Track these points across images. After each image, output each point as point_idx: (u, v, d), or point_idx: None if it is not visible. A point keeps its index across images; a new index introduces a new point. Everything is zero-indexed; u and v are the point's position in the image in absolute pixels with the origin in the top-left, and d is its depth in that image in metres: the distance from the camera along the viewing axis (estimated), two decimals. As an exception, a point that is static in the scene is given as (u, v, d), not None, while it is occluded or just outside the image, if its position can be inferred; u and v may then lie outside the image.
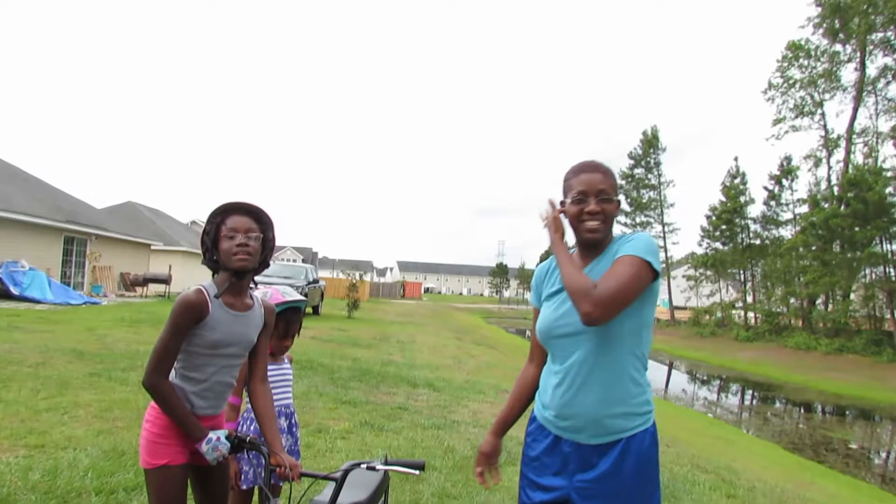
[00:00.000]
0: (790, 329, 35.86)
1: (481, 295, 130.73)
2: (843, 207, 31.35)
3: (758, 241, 41.71)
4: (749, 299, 42.11)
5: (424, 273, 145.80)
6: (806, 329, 34.54)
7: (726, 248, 43.37)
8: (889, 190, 30.47)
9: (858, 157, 35.77)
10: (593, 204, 2.04)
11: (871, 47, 35.00)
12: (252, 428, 2.74)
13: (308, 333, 16.04)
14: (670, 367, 29.84)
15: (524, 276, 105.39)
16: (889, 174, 31.55)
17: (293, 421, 2.83)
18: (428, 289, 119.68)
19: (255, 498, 2.71)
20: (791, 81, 39.07)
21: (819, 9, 36.35)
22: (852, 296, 32.99)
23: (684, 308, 51.40)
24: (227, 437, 2.18)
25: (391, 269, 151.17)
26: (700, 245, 45.75)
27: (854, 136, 36.40)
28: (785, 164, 39.80)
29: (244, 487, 2.70)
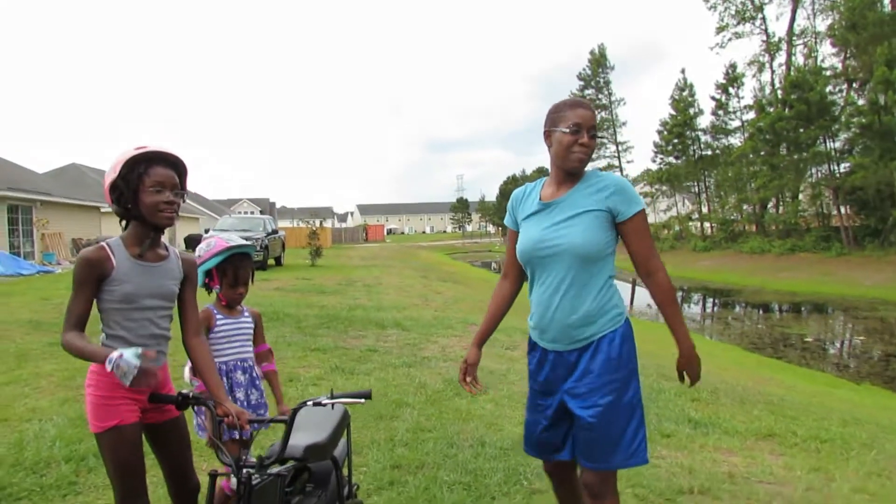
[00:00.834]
0: (745, 235, 37.00)
1: (444, 231, 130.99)
2: (787, 110, 31.91)
3: (709, 152, 42.44)
4: (704, 210, 43.12)
5: (386, 215, 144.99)
6: (759, 233, 35.70)
7: (679, 161, 44.00)
8: (829, 89, 31.10)
9: (799, 59, 36.35)
10: (586, 137, 2.29)
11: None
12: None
13: (272, 285, 15.89)
14: (633, 283, 30.56)
15: (485, 208, 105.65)
16: (828, 73, 32.10)
17: (254, 374, 2.75)
18: (391, 230, 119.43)
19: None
20: (732, -14, 38.96)
21: None
22: (801, 196, 34.04)
23: (643, 225, 52.45)
24: (135, 355, 1.95)
25: (352, 214, 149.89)
26: (654, 161, 46.45)
27: (794, 38, 36.82)
28: (730, 72, 40.13)
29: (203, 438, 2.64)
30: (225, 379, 2.59)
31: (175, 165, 2.28)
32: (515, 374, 6.49)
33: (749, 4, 38.67)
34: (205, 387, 2.35)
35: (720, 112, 41.07)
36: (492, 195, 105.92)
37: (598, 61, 51.93)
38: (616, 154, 51.60)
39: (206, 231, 25.39)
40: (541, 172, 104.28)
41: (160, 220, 2.21)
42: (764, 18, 38.33)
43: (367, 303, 13.11)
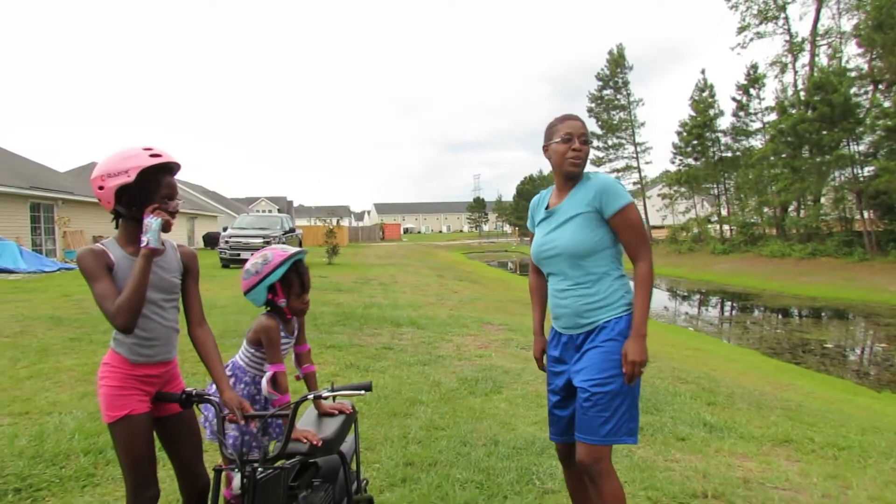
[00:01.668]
0: (765, 238, 36.52)
1: (461, 231, 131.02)
2: (809, 112, 31.40)
3: (729, 154, 41.89)
4: (724, 212, 42.65)
5: (403, 214, 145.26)
6: (780, 237, 35.20)
7: (699, 163, 43.53)
8: (854, 90, 30.54)
9: (823, 60, 35.69)
10: (577, 143, 2.56)
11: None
12: (244, 392, 2.60)
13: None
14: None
15: (501, 208, 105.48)
16: (853, 74, 31.55)
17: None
18: (407, 229, 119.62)
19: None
20: (754, -15, 38.47)
21: None
22: (823, 200, 33.52)
23: (661, 227, 52.04)
24: (155, 220, 2.20)
25: (369, 213, 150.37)
26: (673, 162, 45.90)
27: (818, 38, 36.22)
28: (751, 72, 39.59)
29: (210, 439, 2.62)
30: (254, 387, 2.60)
31: (175, 171, 2.37)
32: (530, 374, 6.48)
33: (772, 4, 38.11)
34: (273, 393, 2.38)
35: (741, 113, 40.56)
36: (509, 195, 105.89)
37: (617, 61, 51.53)
38: (634, 155, 51.12)
39: (225, 229, 25.60)
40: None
41: (167, 227, 2.29)
42: (787, 18, 37.80)
43: (383, 301, 13.15)
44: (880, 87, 30.90)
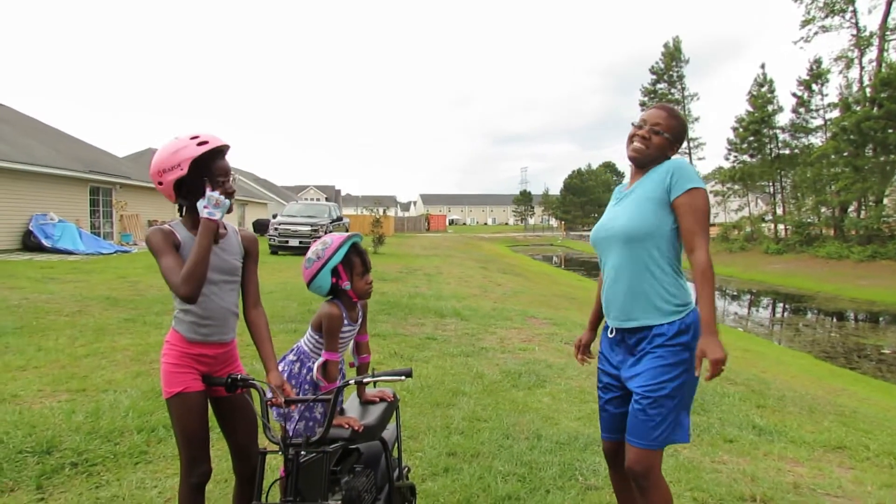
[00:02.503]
0: (821, 239, 35.27)
1: (506, 224, 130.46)
2: (875, 109, 30.15)
3: (787, 151, 40.59)
4: (779, 211, 41.38)
5: (448, 205, 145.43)
6: (837, 238, 33.94)
7: (754, 160, 42.31)
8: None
9: (893, 55, 34.11)
10: (644, 130, 2.50)
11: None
12: (307, 378, 2.61)
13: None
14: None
15: (548, 202, 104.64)
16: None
17: (343, 373, 2.72)
18: (452, 221, 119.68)
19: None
20: (821, -23, 37.00)
21: None
22: (885, 201, 32.16)
23: (712, 224, 50.68)
24: (226, 203, 2.29)
25: (415, 203, 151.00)
26: (727, 159, 44.74)
27: (887, 33, 34.55)
28: (814, 67, 38.21)
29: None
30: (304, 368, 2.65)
31: (225, 152, 2.41)
32: (574, 370, 6.42)
33: (839, -3, 36.64)
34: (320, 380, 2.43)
35: (801, 109, 39.21)
36: (556, 189, 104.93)
37: (672, 55, 50.42)
38: (687, 151, 50.05)
39: (274, 216, 26.07)
40: (607, 167, 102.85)
41: (229, 209, 2.34)
42: (855, 11, 36.19)
43: (427, 291, 13.20)
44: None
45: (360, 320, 2.72)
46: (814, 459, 4.31)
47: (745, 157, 42.98)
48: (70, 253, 18.38)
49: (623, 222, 2.46)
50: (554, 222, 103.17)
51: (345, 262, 2.59)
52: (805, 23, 38.15)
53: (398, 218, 68.81)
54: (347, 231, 23.55)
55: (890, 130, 29.36)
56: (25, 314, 8.09)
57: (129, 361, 6.01)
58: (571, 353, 7.49)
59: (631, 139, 2.54)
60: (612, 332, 2.56)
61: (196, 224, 2.36)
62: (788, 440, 4.69)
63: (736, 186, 44.18)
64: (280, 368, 2.54)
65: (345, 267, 2.59)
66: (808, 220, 37.33)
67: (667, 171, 2.42)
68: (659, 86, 51.40)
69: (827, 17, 37.22)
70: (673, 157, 2.54)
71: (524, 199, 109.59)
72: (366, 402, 2.69)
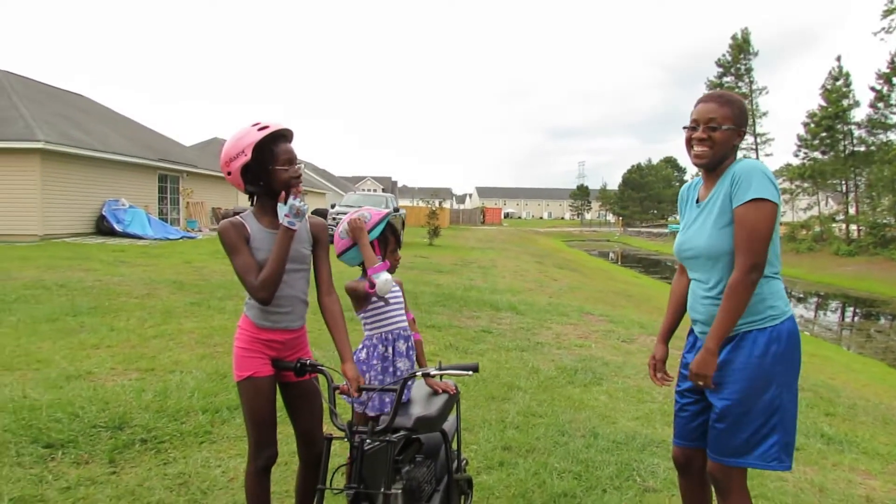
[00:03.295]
0: (897, 241, 33.58)
1: (562, 218, 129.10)
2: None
3: (862, 148, 38.71)
4: (851, 211, 39.57)
5: (504, 198, 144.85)
6: (916, 241, 32.25)
7: (826, 157, 40.55)
8: None
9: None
10: (700, 131, 2.29)
11: None
12: (375, 404, 2.65)
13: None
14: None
15: (606, 197, 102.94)
16: None
17: (410, 344, 2.76)
18: (508, 214, 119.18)
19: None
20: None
21: None
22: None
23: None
24: (298, 202, 2.34)
25: (470, 196, 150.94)
26: (796, 155, 43.00)
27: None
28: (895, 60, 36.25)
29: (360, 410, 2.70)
30: (390, 348, 2.69)
31: (288, 137, 2.44)
32: (631, 368, 6.31)
33: (925, -15, 34.63)
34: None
35: (880, 104, 37.24)
36: (614, 183, 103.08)
37: (741, 47, 48.62)
38: (754, 147, 48.32)
39: (332, 206, 26.49)
40: (668, 162, 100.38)
41: (294, 194, 2.38)
42: (941, 0, 34.25)
43: (482, 284, 13.19)
44: None
45: (397, 291, 2.79)
46: (888, 473, 4.12)
47: (816, 154, 41.25)
48: (139, 238, 19.12)
49: (705, 241, 2.31)
50: (611, 218, 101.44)
51: (380, 238, 2.70)
52: (887, 13, 36.18)
53: (453, 210, 68.89)
54: (404, 223, 23.68)
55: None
56: (99, 295, 8.47)
57: (195, 344, 6.22)
58: (629, 350, 7.42)
59: (689, 143, 2.35)
60: (697, 338, 2.45)
61: (267, 212, 2.42)
62: (860, 451, 4.49)
63: (805, 184, 42.44)
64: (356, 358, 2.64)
65: (380, 243, 2.70)
66: (884, 221, 35.56)
67: (732, 178, 2.23)
68: (725, 79, 49.67)
69: (911, 6, 35.25)
70: (745, 160, 2.32)
71: (581, 194, 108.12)
72: (429, 392, 2.70)
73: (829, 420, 5.24)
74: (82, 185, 19.01)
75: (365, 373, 2.63)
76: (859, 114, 39.01)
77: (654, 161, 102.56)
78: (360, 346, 2.74)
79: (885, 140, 37.59)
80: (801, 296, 25.85)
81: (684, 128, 2.38)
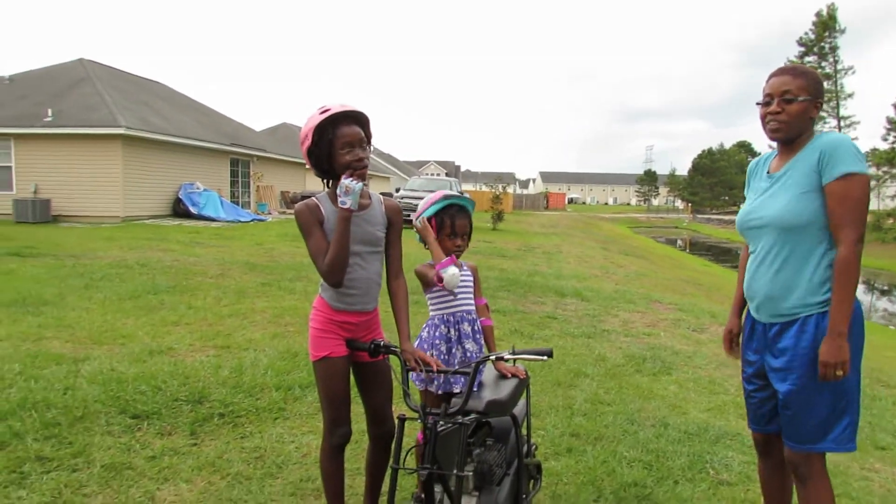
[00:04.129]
0: None
1: (628, 204, 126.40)
2: None
3: (956, 132, 36.28)
4: (942, 199, 37.22)
5: (568, 183, 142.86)
6: None
7: (916, 140, 38.20)
8: None
9: None
10: (774, 104, 2.26)
11: None
12: (440, 383, 2.64)
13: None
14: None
15: (674, 182, 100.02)
16: None
17: (476, 327, 2.75)
18: (572, 199, 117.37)
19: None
20: None
21: None
22: None
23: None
24: (356, 184, 2.31)
25: (534, 181, 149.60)
26: (885, 139, 40.69)
27: None
28: None
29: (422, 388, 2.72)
30: (452, 329, 2.69)
31: (357, 119, 2.41)
32: (702, 358, 6.14)
33: None
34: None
35: (976, 84, 34.81)
36: (683, 169, 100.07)
37: (826, 24, 46.12)
38: (837, 130, 45.96)
39: (397, 190, 26.73)
40: (741, 147, 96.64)
41: (356, 178, 2.35)
42: None
43: (547, 270, 13.08)
44: None
45: (465, 274, 2.80)
46: (982, 475, 3.87)
47: (906, 138, 38.88)
48: (213, 220, 19.81)
49: (778, 210, 2.26)
50: (679, 204, 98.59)
51: (437, 219, 2.75)
52: None
53: (517, 195, 68.44)
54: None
55: None
56: (177, 275, 8.84)
57: (267, 323, 6.41)
58: (699, 340, 7.22)
59: (764, 119, 2.31)
60: (755, 322, 2.43)
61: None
62: (953, 451, 4.24)
63: (894, 170, 40.11)
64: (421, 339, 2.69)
65: (437, 223, 2.76)
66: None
67: (821, 151, 2.18)
68: (808, 59, 47.30)
69: None
70: (829, 133, 2.30)
71: (648, 179, 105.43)
72: (500, 376, 2.70)
73: (918, 418, 4.97)
74: (160, 169, 19.82)
75: (427, 352, 2.63)
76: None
77: (727, 146, 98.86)
78: (424, 326, 2.76)
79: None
80: (886, 288, 24.54)
81: (758, 103, 2.35)
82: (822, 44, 46.64)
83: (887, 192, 41.25)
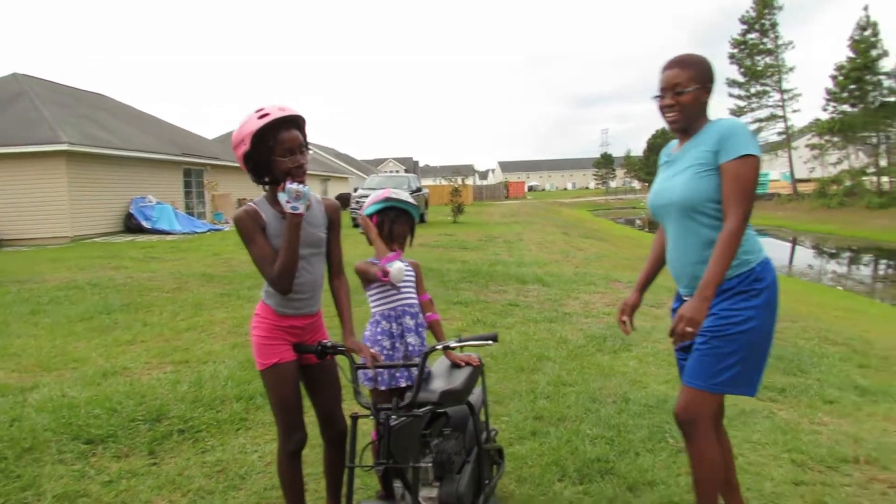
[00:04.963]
0: (932, 190, 32.66)
1: (587, 188, 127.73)
2: None
3: (893, 98, 37.55)
4: (882, 163, 38.53)
5: (527, 172, 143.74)
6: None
7: (856, 109, 39.42)
8: None
9: None
10: (667, 98, 2.39)
11: None
12: (383, 379, 2.64)
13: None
14: (794, 242, 28.27)
15: (631, 164, 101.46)
16: None
17: (419, 321, 2.76)
18: (532, 187, 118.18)
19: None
20: None
21: None
22: None
23: (808, 180, 47.77)
24: (305, 188, 2.30)
25: (493, 171, 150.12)
26: (825, 110, 41.82)
27: None
28: (924, 3, 34.95)
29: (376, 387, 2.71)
30: (395, 324, 2.69)
31: (296, 123, 2.35)
32: (660, 333, 6.27)
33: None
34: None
35: (909, 52, 36.00)
36: (639, 150, 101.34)
37: (766, 1, 47.18)
38: (780, 103, 47.04)
39: (355, 190, 26.58)
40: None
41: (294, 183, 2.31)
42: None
43: (508, 258, 13.17)
44: None
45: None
46: (926, 422, 4.05)
47: (846, 107, 40.10)
48: (167, 233, 19.41)
49: (679, 192, 2.38)
50: (637, 185, 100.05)
51: (378, 219, 2.77)
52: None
53: (476, 186, 68.58)
54: (427, 202, 23.61)
55: None
56: (131, 292, 8.64)
57: (226, 334, 6.32)
58: (657, 315, 7.36)
59: (661, 111, 2.44)
60: (683, 299, 2.50)
61: (278, 200, 2.37)
62: (895, 400, 4.42)
63: (835, 139, 41.33)
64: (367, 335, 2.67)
65: (377, 221, 2.78)
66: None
67: (718, 134, 2.31)
68: (750, 36, 48.17)
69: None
70: (726, 119, 2.42)
71: (605, 162, 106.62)
72: (453, 366, 2.72)
73: (862, 372, 5.17)
74: (109, 184, 19.31)
75: (372, 349, 2.63)
76: (889, 64, 37.82)
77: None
78: (367, 325, 2.75)
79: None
80: (834, 251, 25.36)
81: (653, 97, 2.46)
82: (763, 20, 47.60)
83: (829, 159, 42.51)
